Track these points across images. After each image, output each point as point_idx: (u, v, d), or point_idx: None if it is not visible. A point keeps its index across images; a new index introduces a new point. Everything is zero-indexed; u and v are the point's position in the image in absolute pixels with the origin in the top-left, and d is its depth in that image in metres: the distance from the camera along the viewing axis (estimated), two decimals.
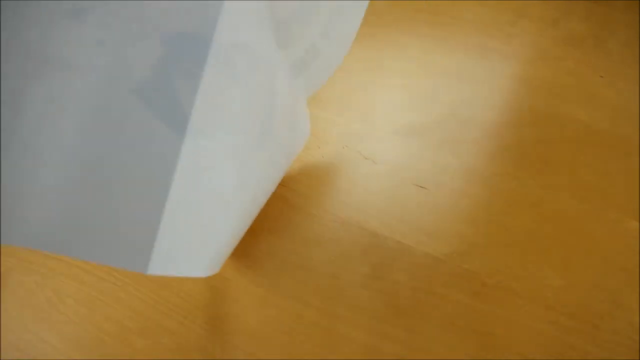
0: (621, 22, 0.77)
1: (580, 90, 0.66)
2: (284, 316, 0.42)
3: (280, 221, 0.49)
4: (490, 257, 0.47)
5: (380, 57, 0.69)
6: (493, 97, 0.65)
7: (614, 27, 0.76)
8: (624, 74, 0.68)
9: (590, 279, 0.46)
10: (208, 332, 0.41)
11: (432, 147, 0.57)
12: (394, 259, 0.46)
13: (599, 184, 0.55)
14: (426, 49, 0.71)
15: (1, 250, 0.45)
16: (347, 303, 0.43)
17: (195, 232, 0.30)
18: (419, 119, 0.61)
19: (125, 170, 0.28)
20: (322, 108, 0.61)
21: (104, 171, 0.28)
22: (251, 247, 0.47)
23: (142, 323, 0.42)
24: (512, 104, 0.64)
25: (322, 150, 0.56)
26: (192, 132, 0.28)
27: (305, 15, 0.35)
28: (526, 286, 0.45)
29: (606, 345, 0.42)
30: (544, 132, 0.60)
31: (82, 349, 0.40)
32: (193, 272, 0.31)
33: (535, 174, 0.55)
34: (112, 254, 0.28)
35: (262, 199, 0.37)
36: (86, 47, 0.26)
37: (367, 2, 0.39)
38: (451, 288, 0.45)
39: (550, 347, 0.41)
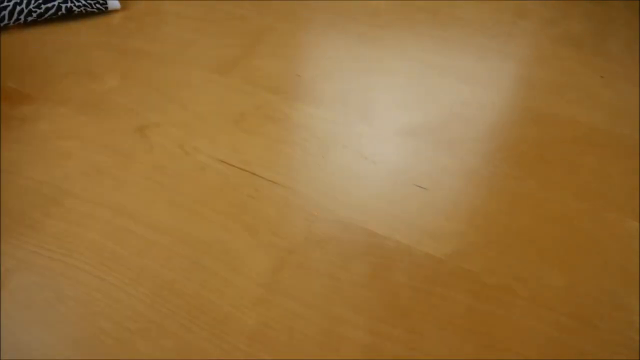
0: (621, 22, 0.77)
1: (580, 90, 0.66)
2: (284, 316, 0.42)
3: (280, 221, 0.49)
4: (490, 257, 0.47)
5: (380, 57, 0.69)
6: (493, 97, 0.65)
7: (614, 27, 0.76)
8: (623, 74, 0.68)
9: (590, 279, 0.46)
10: (208, 332, 0.41)
11: (432, 147, 0.57)
12: (394, 259, 0.46)
13: (598, 184, 0.55)
14: (426, 49, 0.71)
15: (1, 251, 0.45)
16: (347, 303, 0.43)
17: None
18: (419, 119, 0.61)
19: None
20: (322, 108, 0.61)
21: None
22: (251, 247, 0.47)
23: (142, 324, 0.42)
24: (512, 104, 0.64)
25: (322, 151, 0.56)
26: None
27: None
28: (526, 286, 0.45)
29: (606, 345, 0.42)
30: (544, 132, 0.60)
31: (81, 350, 0.40)
32: None
33: (535, 174, 0.55)
34: None
35: None
36: None
37: None
38: (451, 288, 0.45)
39: (550, 347, 0.41)
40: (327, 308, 0.43)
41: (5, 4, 0.64)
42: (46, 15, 0.64)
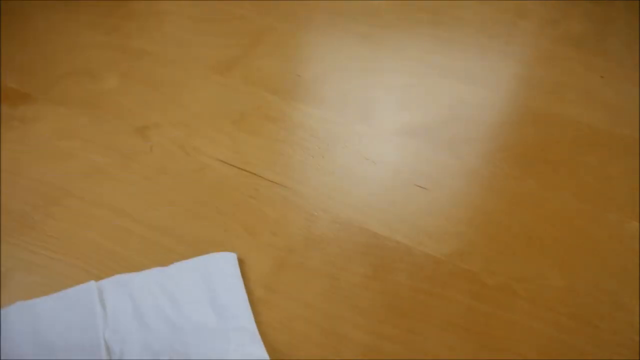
0: (621, 22, 0.77)
1: (580, 90, 0.66)
2: (284, 317, 0.42)
3: (280, 221, 0.49)
4: (490, 257, 0.47)
5: (380, 57, 0.69)
6: (493, 97, 0.65)
7: (614, 27, 0.76)
8: (624, 74, 0.68)
9: (590, 280, 0.46)
10: None
11: (432, 147, 0.57)
12: (394, 259, 0.46)
13: (599, 184, 0.55)
14: (426, 49, 0.71)
15: (1, 250, 0.45)
16: (347, 303, 0.43)
17: None
18: (419, 119, 0.61)
19: None
20: (322, 108, 0.61)
21: None
22: (251, 247, 0.47)
23: None
24: (512, 104, 0.64)
25: (322, 151, 0.56)
26: None
27: None
28: (526, 286, 0.45)
29: (606, 345, 0.42)
30: (544, 132, 0.60)
31: None
32: None
33: (535, 174, 0.55)
34: None
35: None
36: None
37: None
38: (451, 288, 0.45)
39: (550, 347, 0.41)
40: (327, 308, 0.43)
41: None
42: None
